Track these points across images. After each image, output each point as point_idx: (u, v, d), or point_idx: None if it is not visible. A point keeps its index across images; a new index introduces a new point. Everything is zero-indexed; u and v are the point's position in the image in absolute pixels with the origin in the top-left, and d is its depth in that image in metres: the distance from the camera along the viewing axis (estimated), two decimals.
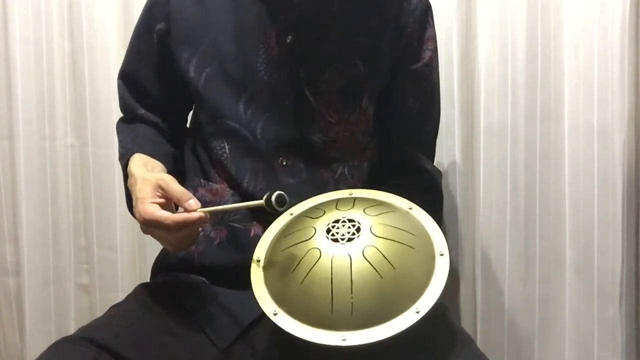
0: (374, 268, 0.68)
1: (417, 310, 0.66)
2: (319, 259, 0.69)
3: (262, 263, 0.76)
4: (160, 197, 0.81)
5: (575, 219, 1.12)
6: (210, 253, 0.91)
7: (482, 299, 1.20)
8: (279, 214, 0.78)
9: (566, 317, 1.14)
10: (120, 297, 0.93)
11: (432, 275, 0.69)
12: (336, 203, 0.78)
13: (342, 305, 0.67)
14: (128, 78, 1.02)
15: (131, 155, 0.93)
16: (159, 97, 1.01)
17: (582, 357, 1.13)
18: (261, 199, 0.90)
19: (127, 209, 0.96)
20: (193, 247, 0.91)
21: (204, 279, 0.91)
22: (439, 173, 1.02)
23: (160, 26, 0.96)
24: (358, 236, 0.70)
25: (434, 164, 1.05)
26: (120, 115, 1.05)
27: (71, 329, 1.45)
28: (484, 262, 1.20)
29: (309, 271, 0.69)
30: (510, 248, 1.18)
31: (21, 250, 1.43)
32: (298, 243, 0.73)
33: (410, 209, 0.79)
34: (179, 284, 0.91)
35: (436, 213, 0.98)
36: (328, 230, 0.72)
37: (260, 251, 0.78)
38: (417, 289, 0.68)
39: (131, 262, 1.42)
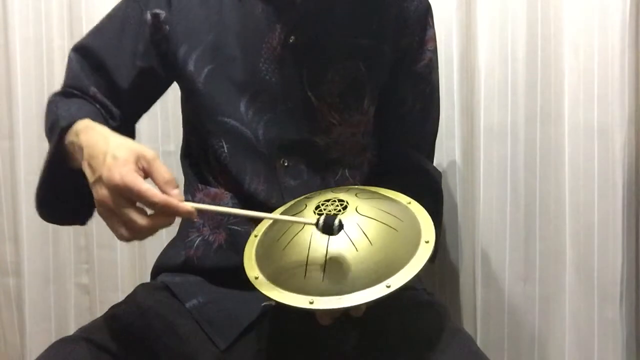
0: (351, 240, 0.70)
1: (387, 285, 0.68)
2: (301, 229, 0.72)
3: (258, 237, 0.80)
4: (141, 170, 0.67)
5: (575, 219, 1.12)
6: (209, 257, 0.91)
7: (482, 299, 1.20)
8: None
9: (566, 317, 1.14)
10: (120, 297, 0.93)
11: (412, 257, 0.70)
12: (332, 189, 0.82)
13: (314, 272, 0.69)
14: (88, 53, 0.91)
15: (79, 119, 0.78)
16: (122, 84, 0.90)
17: (582, 357, 1.13)
18: (261, 199, 0.90)
19: None
20: (192, 251, 0.91)
21: (204, 279, 0.91)
22: (439, 173, 1.02)
23: (157, 11, 0.91)
24: (343, 213, 0.73)
25: (434, 164, 1.05)
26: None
27: (71, 329, 1.45)
28: (484, 262, 1.20)
29: (291, 239, 0.72)
30: (510, 248, 1.18)
31: (21, 250, 1.43)
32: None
33: (409, 203, 0.80)
34: (179, 284, 0.91)
35: (436, 213, 0.99)
36: (317, 207, 0.75)
37: (260, 228, 0.82)
38: (392, 267, 0.69)
39: (131, 262, 1.42)
